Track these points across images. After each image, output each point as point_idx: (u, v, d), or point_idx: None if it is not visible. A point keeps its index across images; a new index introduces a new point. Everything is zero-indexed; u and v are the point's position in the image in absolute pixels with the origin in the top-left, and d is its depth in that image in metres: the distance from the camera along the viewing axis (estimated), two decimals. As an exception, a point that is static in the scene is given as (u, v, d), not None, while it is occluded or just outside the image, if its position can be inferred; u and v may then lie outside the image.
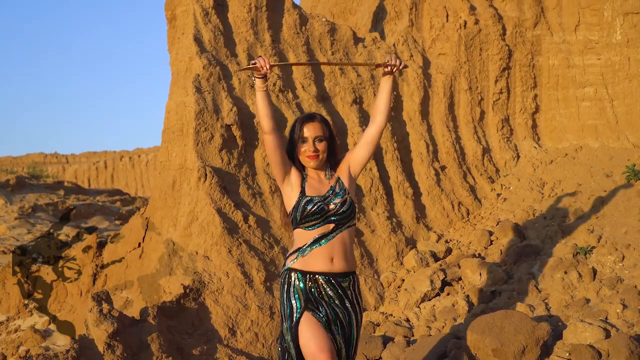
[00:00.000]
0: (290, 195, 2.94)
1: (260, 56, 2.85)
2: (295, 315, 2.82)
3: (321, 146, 2.95)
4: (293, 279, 2.88)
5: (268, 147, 2.87)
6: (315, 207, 2.86)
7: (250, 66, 2.80)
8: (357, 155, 3.05)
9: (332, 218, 2.90)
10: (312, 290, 2.86)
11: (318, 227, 2.89)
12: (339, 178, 3.01)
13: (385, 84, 3.03)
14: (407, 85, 8.54)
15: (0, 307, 8.01)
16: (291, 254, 2.93)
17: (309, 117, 3.00)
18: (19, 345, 6.42)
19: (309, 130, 2.95)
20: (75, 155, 46.90)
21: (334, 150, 3.05)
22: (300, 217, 2.87)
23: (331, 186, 2.97)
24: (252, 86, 2.93)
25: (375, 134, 3.04)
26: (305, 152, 2.94)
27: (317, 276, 2.88)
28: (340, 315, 2.88)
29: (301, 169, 3.00)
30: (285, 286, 2.90)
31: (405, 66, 3.03)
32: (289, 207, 2.95)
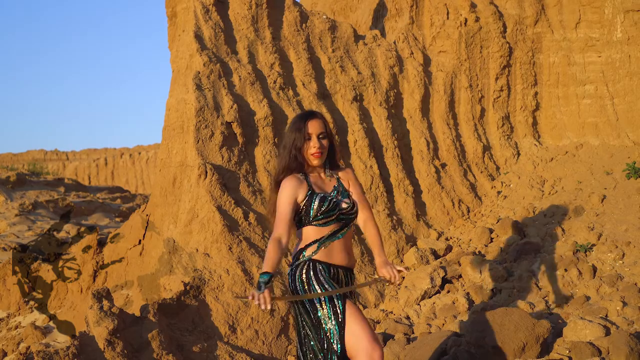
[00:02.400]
0: (298, 199, 2.91)
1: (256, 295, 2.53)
2: (337, 300, 2.79)
3: (324, 143, 2.97)
4: (319, 269, 2.86)
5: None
6: (331, 204, 2.89)
7: (247, 298, 2.57)
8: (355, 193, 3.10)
9: (342, 217, 2.94)
10: (335, 283, 2.89)
11: (330, 224, 2.91)
12: (338, 179, 3.05)
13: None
14: (407, 83, 8.54)
15: (0, 303, 8.02)
16: (309, 245, 2.89)
17: (311, 115, 3.00)
18: (20, 342, 6.42)
19: (313, 127, 2.95)
20: (76, 152, 46.84)
21: (333, 149, 3.06)
22: (315, 214, 2.87)
23: (334, 186, 3.01)
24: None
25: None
26: (310, 149, 2.94)
27: (339, 269, 2.93)
28: None
29: (299, 168, 2.97)
30: (312, 273, 2.84)
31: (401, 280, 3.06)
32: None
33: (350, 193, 3.03)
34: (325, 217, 2.88)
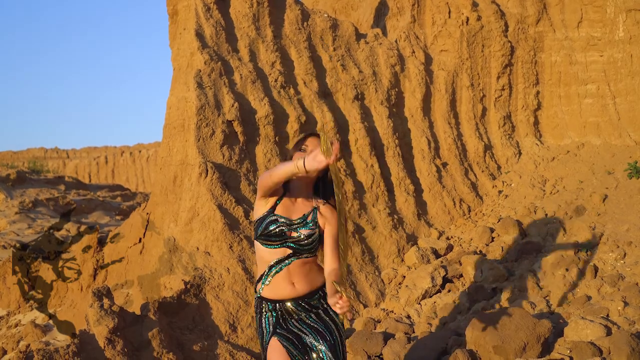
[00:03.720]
0: (260, 208, 2.82)
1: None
2: (265, 339, 2.87)
3: None
4: (264, 309, 2.88)
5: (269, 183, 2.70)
6: (278, 229, 2.77)
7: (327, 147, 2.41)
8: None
9: (291, 244, 2.79)
10: (285, 316, 2.85)
11: (275, 248, 2.80)
12: (315, 210, 2.84)
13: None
14: (408, 82, 8.52)
15: (0, 301, 8.01)
16: (258, 281, 2.88)
17: (315, 134, 2.88)
18: (20, 340, 6.42)
19: (312, 144, 2.82)
20: (76, 150, 46.88)
21: (327, 177, 2.86)
22: (261, 233, 2.79)
23: (304, 214, 2.83)
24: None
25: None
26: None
27: (286, 303, 2.84)
28: (316, 326, 2.84)
29: (283, 190, 2.85)
30: (259, 314, 2.91)
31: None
32: (255, 216, 2.84)
33: (315, 229, 2.79)
34: (270, 240, 2.78)
